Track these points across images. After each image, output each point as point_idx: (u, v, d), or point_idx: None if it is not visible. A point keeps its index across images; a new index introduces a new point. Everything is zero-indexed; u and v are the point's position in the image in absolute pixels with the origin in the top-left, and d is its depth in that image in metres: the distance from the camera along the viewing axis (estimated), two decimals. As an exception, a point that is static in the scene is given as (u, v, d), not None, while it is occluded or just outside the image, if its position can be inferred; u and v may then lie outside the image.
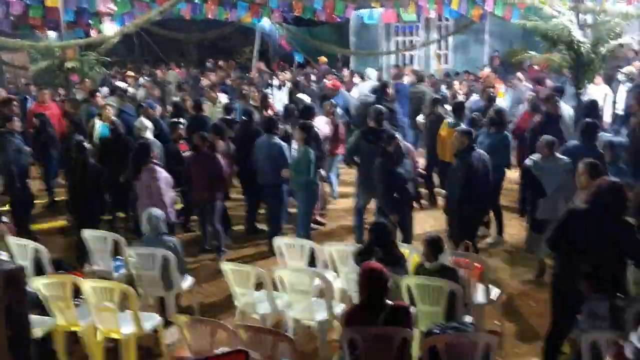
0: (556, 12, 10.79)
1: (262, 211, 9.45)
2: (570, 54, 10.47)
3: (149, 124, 9.14)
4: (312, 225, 8.84)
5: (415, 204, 8.19)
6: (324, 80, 14.77)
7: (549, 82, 12.42)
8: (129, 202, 8.77)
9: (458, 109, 9.34)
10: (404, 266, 5.77)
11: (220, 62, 20.36)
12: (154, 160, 7.93)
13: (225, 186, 8.81)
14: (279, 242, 6.78)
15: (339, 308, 5.97)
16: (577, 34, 10.22)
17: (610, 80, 12.21)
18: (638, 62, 12.70)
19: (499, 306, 6.30)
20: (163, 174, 7.86)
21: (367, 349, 4.45)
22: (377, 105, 8.83)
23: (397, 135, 7.70)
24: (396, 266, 5.58)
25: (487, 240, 8.48)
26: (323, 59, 19.55)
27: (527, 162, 7.44)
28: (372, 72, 15.36)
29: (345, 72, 17.07)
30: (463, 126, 8.30)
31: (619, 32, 10.83)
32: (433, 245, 5.61)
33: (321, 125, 9.82)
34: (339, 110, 10.67)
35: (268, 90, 13.69)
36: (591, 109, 9.49)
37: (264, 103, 11.20)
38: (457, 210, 7.35)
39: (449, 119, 9.31)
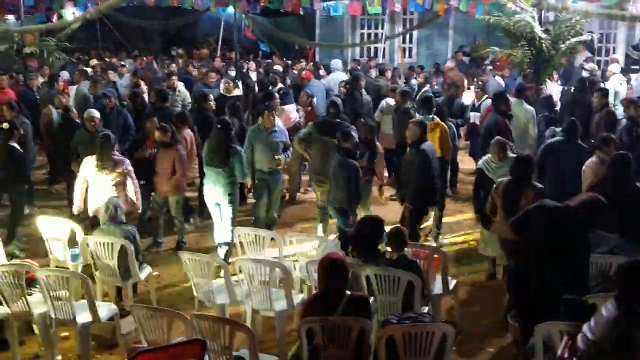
0: (519, 8, 10.88)
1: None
2: (532, 50, 10.58)
3: (96, 113, 8.84)
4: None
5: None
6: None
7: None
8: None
9: (427, 102, 9.18)
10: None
11: (180, 51, 20.14)
12: (116, 152, 7.72)
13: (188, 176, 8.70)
14: (239, 231, 6.74)
15: (299, 298, 5.96)
16: (539, 31, 10.34)
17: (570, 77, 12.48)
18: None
19: (456, 297, 6.38)
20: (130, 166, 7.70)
21: (325, 339, 4.46)
22: (333, 98, 8.88)
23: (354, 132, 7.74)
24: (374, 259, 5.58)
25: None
26: None
27: (480, 164, 7.39)
28: (338, 64, 15.38)
29: (304, 63, 17.05)
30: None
31: (579, 29, 10.99)
32: (397, 238, 5.64)
33: (291, 112, 10.12)
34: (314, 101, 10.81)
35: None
36: (547, 104, 9.66)
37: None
38: (412, 200, 7.49)
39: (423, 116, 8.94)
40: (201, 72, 14.40)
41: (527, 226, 5.20)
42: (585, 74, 12.25)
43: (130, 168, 7.60)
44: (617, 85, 11.48)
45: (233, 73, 14.11)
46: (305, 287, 6.38)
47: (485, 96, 11.35)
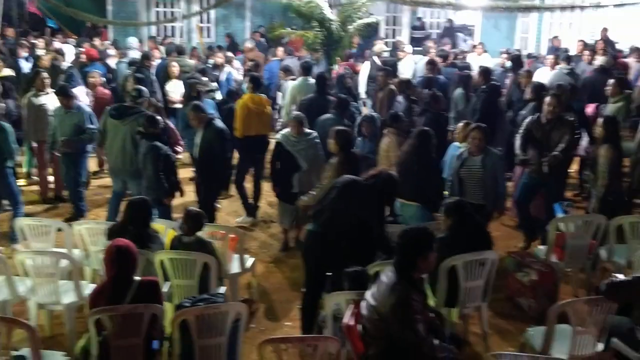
0: (309, -10, 11.18)
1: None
2: (323, 31, 10.92)
3: None
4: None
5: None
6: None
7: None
8: None
9: (257, 80, 8.80)
10: (159, 242, 5.66)
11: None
12: None
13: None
14: (21, 223, 6.26)
15: (90, 289, 5.68)
16: (328, 12, 10.70)
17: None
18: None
19: (254, 274, 6.47)
20: None
21: (115, 328, 4.29)
22: (137, 75, 8.58)
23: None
24: (150, 242, 5.47)
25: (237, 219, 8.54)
26: None
27: (279, 137, 7.50)
28: (134, 41, 14.86)
29: (97, 41, 16.20)
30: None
31: (366, 11, 11.53)
32: (193, 220, 5.61)
33: (80, 95, 9.54)
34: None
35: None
36: (341, 83, 10.09)
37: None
38: (211, 181, 7.47)
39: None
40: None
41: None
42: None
43: None
44: (411, 64, 12.28)
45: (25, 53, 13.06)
46: (98, 277, 6.10)
47: (291, 77, 11.55)
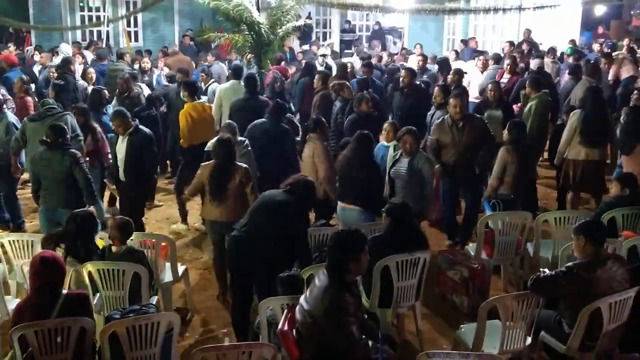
0: (236, -8, 11.04)
1: None
2: (252, 34, 10.82)
3: None
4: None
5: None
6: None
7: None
8: None
9: (192, 86, 8.72)
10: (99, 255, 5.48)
11: None
12: None
13: None
14: None
15: (15, 304, 5.46)
16: (257, 15, 10.62)
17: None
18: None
19: (187, 282, 6.36)
20: None
21: (40, 344, 4.14)
22: (56, 82, 8.32)
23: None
24: (94, 255, 5.36)
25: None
26: None
27: (209, 145, 7.14)
28: (66, 47, 14.45)
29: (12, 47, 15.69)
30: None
31: (294, 15, 11.51)
32: (121, 229, 5.47)
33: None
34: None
35: None
36: (272, 88, 10.07)
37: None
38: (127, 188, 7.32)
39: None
40: None
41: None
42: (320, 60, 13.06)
43: None
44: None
45: None
46: (24, 292, 5.88)
47: (212, 80, 11.40)
